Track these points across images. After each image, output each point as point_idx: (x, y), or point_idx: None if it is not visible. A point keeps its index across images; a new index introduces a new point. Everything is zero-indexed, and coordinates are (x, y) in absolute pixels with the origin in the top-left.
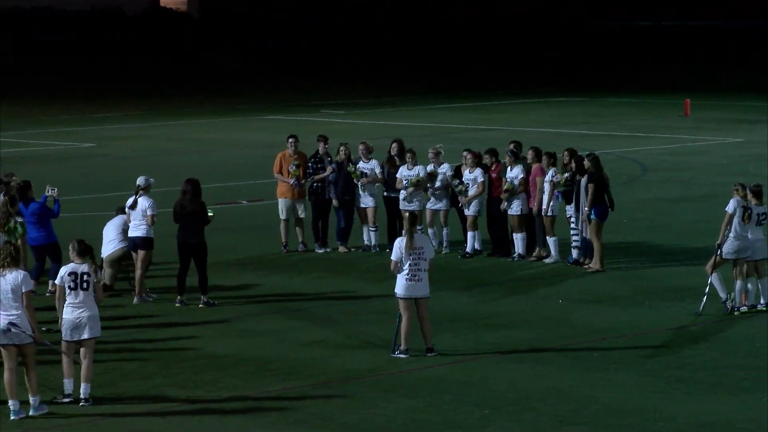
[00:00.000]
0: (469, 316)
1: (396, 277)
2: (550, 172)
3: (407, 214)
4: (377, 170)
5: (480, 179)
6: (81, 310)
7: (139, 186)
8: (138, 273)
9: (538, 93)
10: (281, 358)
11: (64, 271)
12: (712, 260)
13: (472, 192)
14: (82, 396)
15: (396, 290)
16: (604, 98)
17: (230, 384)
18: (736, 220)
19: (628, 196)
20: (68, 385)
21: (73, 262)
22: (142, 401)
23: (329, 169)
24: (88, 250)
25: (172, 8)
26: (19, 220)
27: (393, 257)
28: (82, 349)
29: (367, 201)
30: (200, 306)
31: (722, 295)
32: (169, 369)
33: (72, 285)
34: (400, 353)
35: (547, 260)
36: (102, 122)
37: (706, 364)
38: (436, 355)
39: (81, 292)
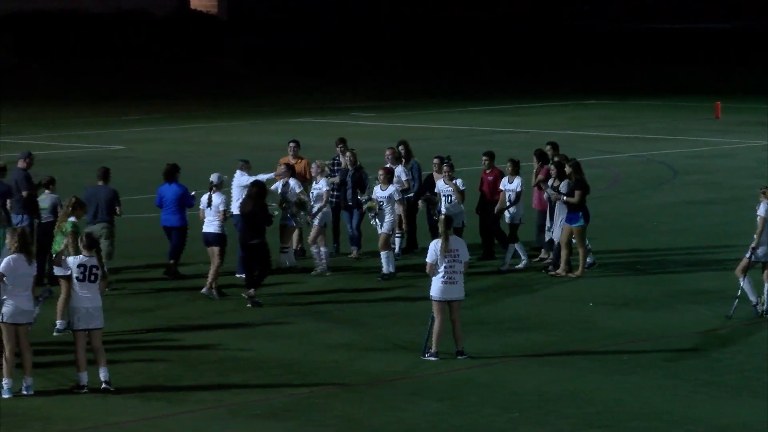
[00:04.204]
0: (495, 319)
1: (431, 279)
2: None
3: (443, 217)
4: (325, 189)
5: (397, 197)
6: (89, 301)
7: (212, 183)
8: (213, 267)
9: (560, 95)
10: (307, 360)
11: (73, 263)
12: (742, 263)
13: (387, 210)
14: (103, 380)
15: (431, 292)
16: (630, 101)
17: (256, 386)
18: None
19: (655, 199)
20: (84, 378)
21: (82, 254)
22: (170, 403)
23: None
24: (95, 243)
25: (202, 11)
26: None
27: (428, 260)
28: (92, 341)
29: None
30: (248, 305)
31: (752, 298)
32: (197, 371)
33: (81, 277)
34: (430, 356)
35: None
36: (126, 125)
37: (733, 367)
38: (466, 358)
39: (89, 284)
